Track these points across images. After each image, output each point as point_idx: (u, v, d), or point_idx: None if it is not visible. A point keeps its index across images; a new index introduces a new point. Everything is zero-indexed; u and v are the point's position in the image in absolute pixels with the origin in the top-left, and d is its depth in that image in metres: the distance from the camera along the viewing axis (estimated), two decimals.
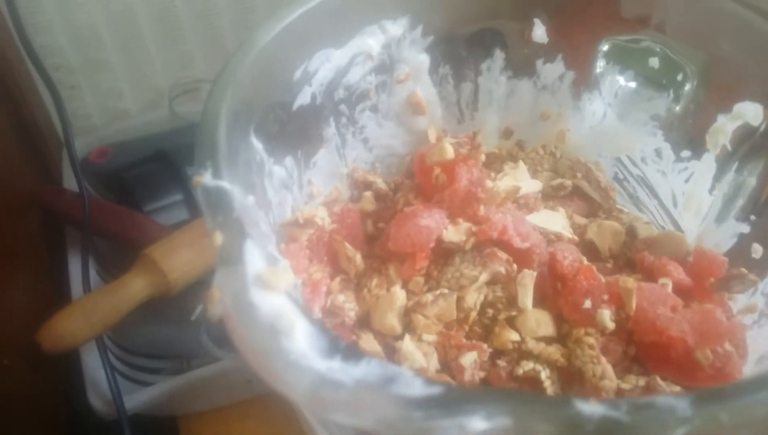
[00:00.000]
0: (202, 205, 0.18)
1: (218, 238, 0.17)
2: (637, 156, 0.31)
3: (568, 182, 0.31)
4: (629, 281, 0.25)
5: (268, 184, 0.24)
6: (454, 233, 0.25)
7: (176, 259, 0.51)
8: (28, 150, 0.62)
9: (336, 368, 0.15)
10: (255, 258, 0.17)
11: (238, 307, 0.16)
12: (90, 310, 0.47)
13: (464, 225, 0.25)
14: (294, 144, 0.26)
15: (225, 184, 0.18)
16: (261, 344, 0.15)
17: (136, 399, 0.43)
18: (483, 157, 0.27)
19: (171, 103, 0.66)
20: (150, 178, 0.61)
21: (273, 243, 0.23)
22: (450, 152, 0.26)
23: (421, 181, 0.27)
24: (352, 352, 0.15)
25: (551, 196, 0.31)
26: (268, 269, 0.16)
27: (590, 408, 0.14)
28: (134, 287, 0.49)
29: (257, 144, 0.23)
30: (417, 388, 0.14)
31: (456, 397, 0.14)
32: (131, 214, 0.57)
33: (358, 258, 0.25)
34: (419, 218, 0.25)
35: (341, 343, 0.15)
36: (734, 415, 0.14)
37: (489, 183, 0.26)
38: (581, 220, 0.30)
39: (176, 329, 0.49)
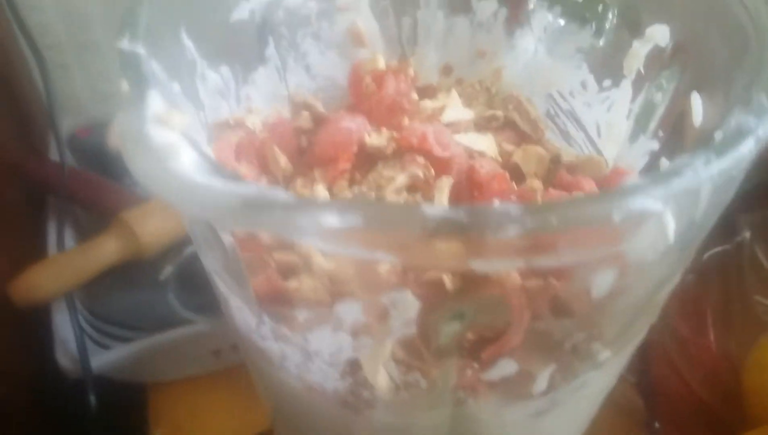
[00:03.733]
0: (120, 68, 0.20)
1: (124, 85, 0.19)
2: (566, 90, 0.33)
3: (500, 113, 0.33)
4: (536, 183, 0.26)
5: (200, 85, 0.26)
6: (376, 138, 0.27)
7: (150, 223, 0.53)
8: (16, 124, 0.64)
9: (216, 183, 0.17)
10: (156, 103, 0.19)
11: (134, 138, 0.18)
12: (62, 267, 0.49)
13: (387, 133, 0.27)
14: (231, 55, 0.28)
15: (140, 49, 0.20)
16: (150, 163, 0.17)
17: (102, 359, 0.44)
18: (411, 73, 0.29)
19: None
20: None
21: (203, 138, 0.25)
22: (381, 63, 0.28)
23: (352, 91, 0.29)
24: (235, 176, 0.17)
25: (483, 127, 0.33)
26: (166, 110, 0.18)
27: (433, 210, 0.16)
28: (107, 247, 0.51)
29: (188, 43, 0.25)
30: (281, 196, 0.16)
31: (314, 200, 0.16)
32: (109, 185, 0.59)
33: (283, 160, 0.27)
34: (341, 121, 0.26)
35: (227, 170, 0.17)
36: (565, 220, 0.16)
37: (415, 96, 0.28)
38: (509, 147, 0.32)
39: (148, 296, 0.51)
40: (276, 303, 0.22)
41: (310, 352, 0.21)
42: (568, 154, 0.32)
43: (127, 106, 0.18)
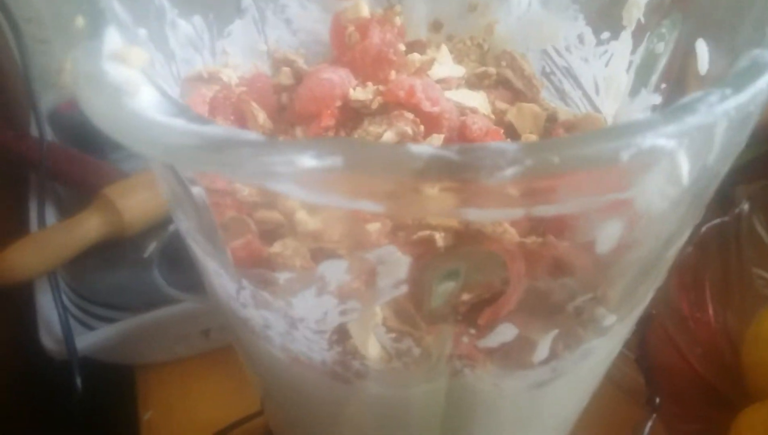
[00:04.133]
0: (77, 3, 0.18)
1: (80, 21, 0.17)
2: (562, 45, 0.31)
3: (493, 70, 0.31)
4: (532, 137, 0.25)
5: (170, 34, 0.24)
6: (361, 92, 0.25)
7: (133, 199, 0.51)
8: None
9: (178, 124, 0.15)
10: (113, 40, 0.17)
11: (89, 75, 0.16)
12: (43, 244, 0.47)
13: (372, 86, 0.26)
14: (204, 4, 0.26)
15: None
16: (104, 100, 0.15)
17: (87, 340, 0.43)
18: (398, 22, 0.27)
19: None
20: None
21: (174, 92, 0.24)
22: (365, 10, 0.26)
23: (334, 43, 0.27)
24: (200, 118, 0.15)
25: (475, 85, 0.31)
26: (123, 45, 0.16)
27: (421, 149, 0.14)
28: (89, 224, 0.49)
29: None
30: (252, 137, 0.14)
31: (288, 141, 0.14)
32: (91, 160, 0.57)
33: (262, 116, 0.25)
34: (322, 73, 0.25)
35: (191, 111, 0.15)
36: (568, 159, 0.14)
37: (402, 47, 0.26)
38: (503, 106, 0.30)
39: (133, 276, 0.50)
40: (256, 266, 0.20)
41: (295, 319, 0.19)
42: (565, 112, 0.30)
43: (83, 42, 0.16)
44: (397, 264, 0.17)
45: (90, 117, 0.15)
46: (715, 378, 0.45)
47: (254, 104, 0.25)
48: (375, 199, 0.15)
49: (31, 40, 0.57)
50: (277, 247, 0.20)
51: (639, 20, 0.28)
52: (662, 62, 0.27)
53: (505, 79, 0.32)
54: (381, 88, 0.25)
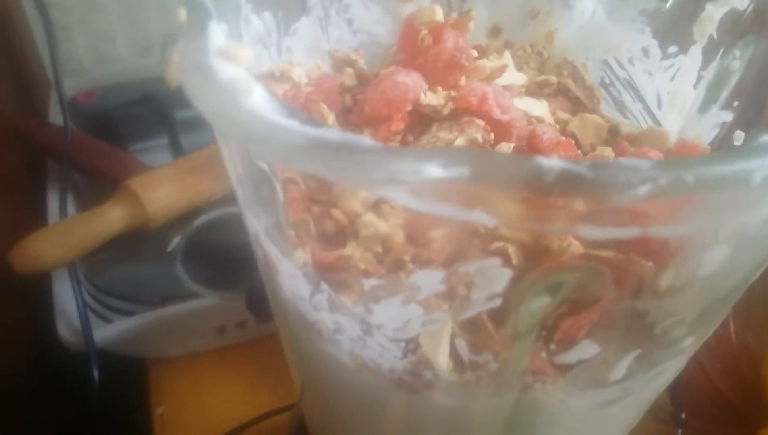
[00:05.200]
0: None
1: (182, 13, 0.17)
2: (624, 57, 0.31)
3: (554, 79, 0.31)
4: (607, 150, 0.24)
5: (243, 29, 0.24)
6: (433, 97, 0.25)
7: (157, 191, 0.50)
8: (16, 86, 0.62)
9: (294, 125, 0.14)
10: (217, 35, 0.16)
11: (198, 72, 0.15)
12: (64, 234, 0.47)
13: (444, 92, 0.25)
14: (275, 0, 0.25)
15: None
16: (219, 98, 0.15)
17: (105, 332, 0.42)
18: (471, 27, 0.27)
19: (163, 51, 0.66)
20: (136, 119, 0.60)
21: None
22: (440, 14, 0.25)
23: (403, 46, 0.27)
24: (313, 121, 0.15)
25: (535, 94, 0.31)
26: (231, 43, 0.16)
27: (551, 162, 0.13)
28: (111, 216, 0.48)
29: None
30: (377, 144, 0.14)
31: (415, 149, 0.14)
32: (114, 151, 0.57)
33: (332, 118, 0.25)
34: (396, 75, 0.24)
35: (302, 114, 0.15)
36: (702, 179, 0.14)
37: (474, 53, 0.26)
38: (564, 116, 0.30)
39: (153, 269, 0.49)
40: (334, 270, 0.20)
41: (372, 325, 0.19)
42: (627, 125, 0.30)
43: (187, 36, 0.16)
44: (497, 277, 0.16)
45: (204, 114, 0.14)
46: (735, 395, 0.45)
47: (323, 105, 0.25)
48: (490, 211, 0.14)
49: (54, 27, 0.57)
50: (347, 250, 0.20)
51: (711, 36, 0.27)
52: (735, 79, 0.26)
53: (565, 89, 0.31)
54: (452, 93, 0.25)
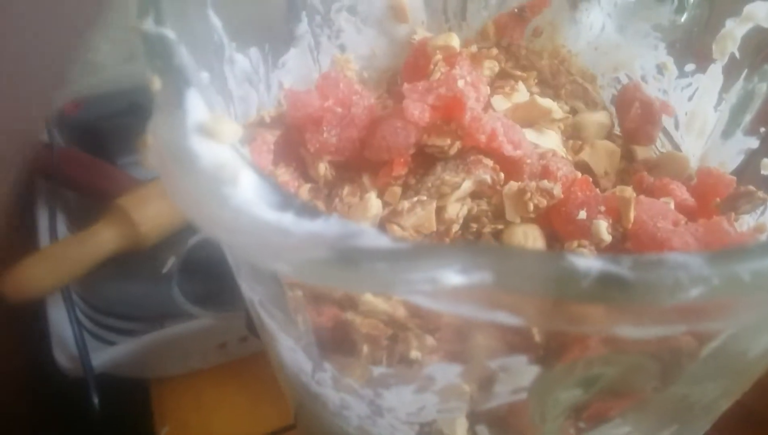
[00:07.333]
0: (142, 54, 0.16)
1: (156, 82, 0.14)
2: (637, 74, 0.29)
3: (565, 107, 0.29)
4: (627, 190, 0.22)
5: (228, 72, 0.22)
6: (438, 138, 0.23)
7: (149, 210, 0.49)
8: None
9: (288, 221, 0.12)
10: (197, 107, 0.14)
11: (175, 155, 0.13)
12: (56, 259, 0.45)
13: (449, 129, 0.23)
14: (260, 34, 0.23)
15: (168, 32, 0.16)
16: (201, 192, 0.13)
17: (103, 357, 0.40)
18: (487, 73, 0.25)
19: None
20: (124, 131, 0.58)
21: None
22: (455, 40, 0.24)
23: (408, 72, 0.25)
24: (308, 209, 0.13)
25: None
26: (212, 117, 0.14)
27: (586, 263, 0.12)
28: (103, 237, 0.47)
29: (215, 21, 0.20)
30: (383, 243, 0.12)
31: (428, 249, 0.12)
32: (103, 166, 0.55)
33: (323, 167, 0.23)
34: (395, 120, 0.22)
35: (296, 200, 0.13)
36: (757, 275, 0.12)
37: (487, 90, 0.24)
38: (575, 144, 0.28)
39: (148, 287, 0.47)
40: (335, 336, 0.18)
41: (382, 408, 0.17)
42: (641, 149, 0.28)
43: (162, 111, 0.14)
44: (523, 372, 0.14)
45: (184, 210, 0.12)
46: (760, 408, 0.44)
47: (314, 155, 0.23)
48: (516, 313, 0.13)
49: None
50: (348, 315, 0.18)
51: (733, 54, 0.25)
52: (760, 102, 0.25)
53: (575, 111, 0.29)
54: (459, 131, 0.23)
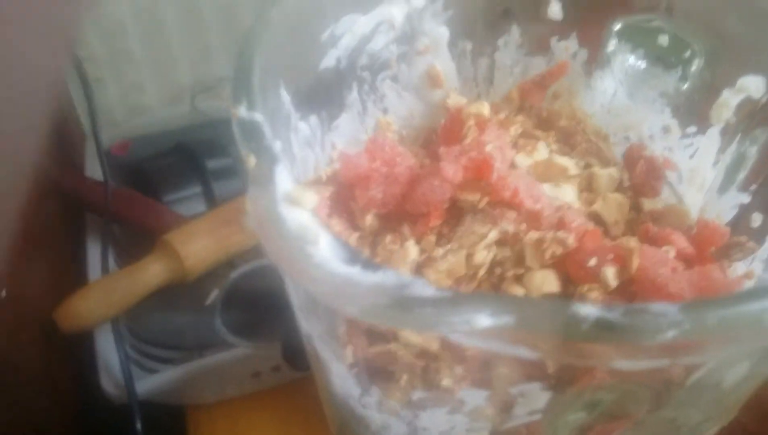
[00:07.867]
0: (236, 136, 0.20)
1: (251, 160, 0.18)
2: (645, 133, 0.33)
3: (581, 163, 0.32)
4: (632, 241, 0.26)
5: (293, 138, 0.26)
6: (470, 194, 0.27)
7: (194, 245, 0.52)
8: (52, 139, 0.64)
9: (356, 273, 0.16)
10: (284, 179, 0.18)
11: (268, 220, 0.17)
12: (107, 291, 0.48)
13: (479, 186, 0.27)
14: (318, 104, 0.27)
15: (258, 116, 0.20)
16: (290, 251, 0.16)
17: (147, 384, 0.43)
18: (513, 132, 0.29)
19: (193, 100, 0.67)
20: (169, 170, 0.61)
21: None
22: (487, 108, 0.27)
23: (444, 134, 0.29)
24: (371, 264, 0.17)
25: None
26: (296, 188, 0.18)
27: (586, 310, 0.15)
28: (152, 271, 0.49)
29: (285, 96, 0.25)
30: (429, 292, 0.16)
31: (465, 298, 0.16)
32: (151, 203, 0.58)
33: (369, 218, 0.27)
34: (433, 178, 0.26)
35: (361, 256, 0.17)
36: (722, 322, 0.15)
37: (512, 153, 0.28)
38: (588, 196, 0.32)
39: (192, 318, 0.50)
40: (378, 364, 0.22)
41: (418, 428, 0.21)
42: (648, 201, 0.31)
43: (256, 182, 0.18)
44: (538, 397, 0.18)
45: (277, 264, 0.16)
46: (753, 425, 0.45)
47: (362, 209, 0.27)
48: (534, 349, 0.16)
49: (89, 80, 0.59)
50: (391, 346, 0.22)
51: (728, 120, 0.29)
52: (751, 163, 0.28)
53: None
54: (488, 187, 0.27)
